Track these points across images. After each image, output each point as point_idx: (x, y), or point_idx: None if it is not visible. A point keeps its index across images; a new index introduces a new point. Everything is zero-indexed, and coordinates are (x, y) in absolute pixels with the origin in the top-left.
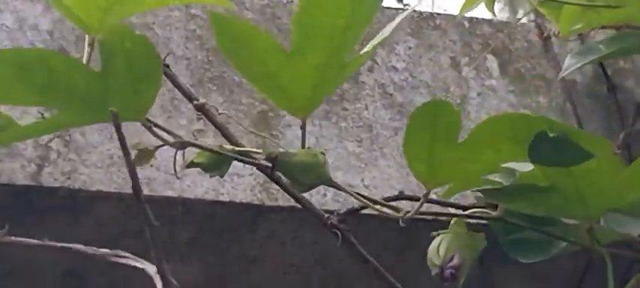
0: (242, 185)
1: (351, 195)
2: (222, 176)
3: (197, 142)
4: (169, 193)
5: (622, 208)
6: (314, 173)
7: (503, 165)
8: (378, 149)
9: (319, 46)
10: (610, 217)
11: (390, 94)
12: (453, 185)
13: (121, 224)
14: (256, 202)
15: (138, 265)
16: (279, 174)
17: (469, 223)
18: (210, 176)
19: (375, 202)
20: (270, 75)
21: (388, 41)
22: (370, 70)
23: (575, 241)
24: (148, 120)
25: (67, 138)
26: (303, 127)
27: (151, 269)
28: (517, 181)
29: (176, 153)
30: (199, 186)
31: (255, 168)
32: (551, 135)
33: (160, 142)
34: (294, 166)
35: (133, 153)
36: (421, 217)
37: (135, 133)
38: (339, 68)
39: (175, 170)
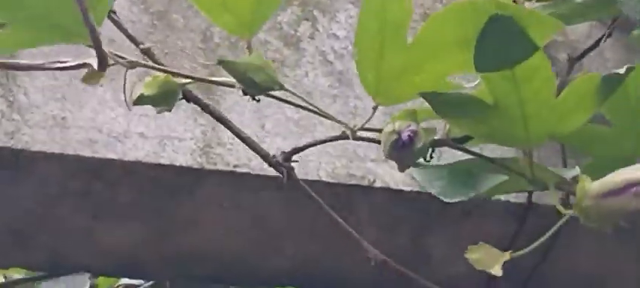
0: (182, 149)
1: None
2: (169, 110)
3: (148, 63)
4: (111, 156)
5: (563, 137)
6: (264, 73)
7: (451, 78)
8: (317, 116)
9: None
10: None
11: (330, 62)
12: (399, 112)
13: (62, 185)
14: (196, 166)
15: None
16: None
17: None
18: (158, 112)
19: (321, 142)
20: None
21: (329, 9)
22: (311, 37)
23: (517, 170)
24: None
25: (11, 98)
26: (248, 47)
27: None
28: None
29: (126, 71)
30: (140, 149)
31: (195, 132)
32: (497, 20)
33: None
34: (245, 67)
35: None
36: (357, 183)
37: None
38: None
39: (126, 100)
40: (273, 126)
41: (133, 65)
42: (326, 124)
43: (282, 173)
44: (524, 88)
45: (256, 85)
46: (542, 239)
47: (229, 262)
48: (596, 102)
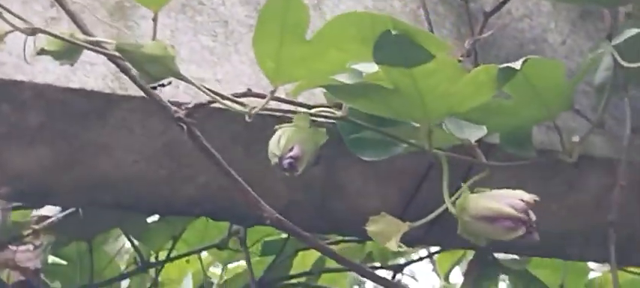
0: (94, 73)
1: (200, 89)
2: (72, 65)
3: (48, 29)
4: (20, 77)
5: (461, 114)
6: (162, 65)
7: (349, 65)
8: (232, 45)
9: None
10: (450, 121)
11: None
12: (300, 83)
13: None
14: (107, 91)
15: None
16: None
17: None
18: (61, 64)
19: (224, 97)
20: None
21: None
22: None
23: (415, 143)
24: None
25: None
26: (154, 19)
27: None
28: (363, 81)
29: (26, 39)
30: (51, 72)
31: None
32: (394, 33)
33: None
34: (141, 57)
35: None
36: (268, 113)
37: None
38: None
39: (25, 56)
40: (189, 54)
41: (33, 32)
42: (241, 53)
43: (183, 129)
44: (422, 82)
45: (151, 75)
46: (433, 215)
47: (141, 189)
48: (493, 89)
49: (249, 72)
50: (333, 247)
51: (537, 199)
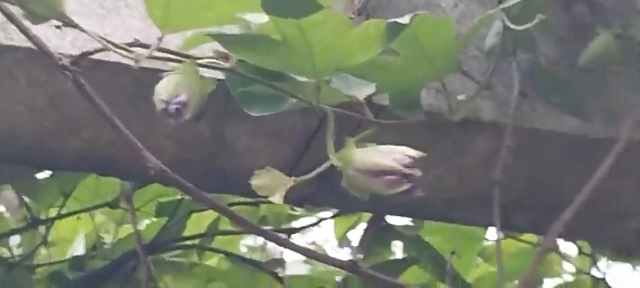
0: None
1: (87, 33)
2: None
3: None
4: None
5: (350, 69)
6: (47, 5)
7: (238, 14)
8: None
9: None
10: (338, 78)
11: None
12: (191, 36)
13: None
14: None
15: None
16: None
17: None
18: None
19: (111, 44)
20: None
21: None
22: None
23: (303, 97)
24: None
25: None
26: None
27: None
28: (251, 32)
29: None
30: None
31: None
32: None
33: None
34: None
35: None
36: (157, 67)
37: None
38: None
39: None
40: (76, 6)
41: None
42: (131, 7)
43: (68, 77)
44: (310, 34)
45: (36, 15)
46: (319, 170)
47: (26, 142)
48: (381, 44)
49: (140, 26)
50: None
51: (424, 155)
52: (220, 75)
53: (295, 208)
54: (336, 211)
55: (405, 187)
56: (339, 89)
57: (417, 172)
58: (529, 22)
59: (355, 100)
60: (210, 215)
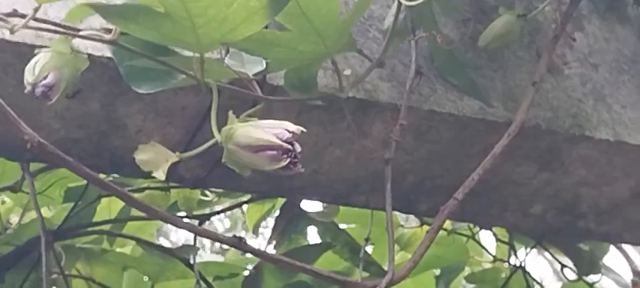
0: None
1: None
2: None
3: None
4: None
5: (237, 44)
6: None
7: None
8: None
9: None
10: (232, 56)
11: None
12: (73, 8)
13: None
14: None
15: None
16: None
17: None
18: None
19: None
20: None
21: None
22: None
23: (186, 72)
24: None
25: None
26: None
27: None
28: (133, 2)
29: None
30: None
31: None
32: None
33: None
34: None
35: None
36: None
37: None
38: None
39: None
40: None
41: None
42: None
43: None
44: (191, 4)
45: None
46: (203, 147)
47: None
48: (266, 16)
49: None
50: (137, 195)
51: (304, 130)
52: (107, 52)
53: (207, 193)
54: (248, 197)
55: (285, 162)
56: (228, 66)
57: (297, 147)
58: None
59: (245, 76)
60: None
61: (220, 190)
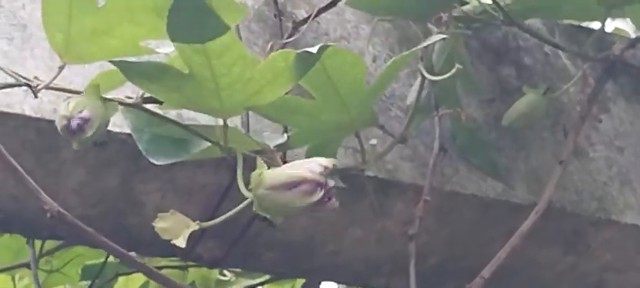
0: None
1: None
2: None
3: None
4: None
5: (260, 107)
6: None
7: (142, 43)
8: (29, 49)
9: None
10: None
11: None
12: (97, 76)
13: None
14: None
15: None
16: None
17: None
18: None
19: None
20: None
21: None
22: None
23: (209, 138)
24: None
25: None
26: None
27: None
28: (156, 61)
29: None
30: None
31: None
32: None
33: None
34: None
35: None
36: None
37: None
38: None
39: None
40: None
41: None
42: (37, 58)
43: None
44: (216, 63)
45: None
46: (229, 214)
47: None
48: (292, 78)
49: (44, 78)
50: None
51: (335, 163)
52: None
53: (225, 273)
54: (266, 278)
55: (319, 195)
56: (251, 136)
57: (330, 182)
58: (452, 77)
59: (267, 148)
60: (138, 279)
61: (238, 270)
